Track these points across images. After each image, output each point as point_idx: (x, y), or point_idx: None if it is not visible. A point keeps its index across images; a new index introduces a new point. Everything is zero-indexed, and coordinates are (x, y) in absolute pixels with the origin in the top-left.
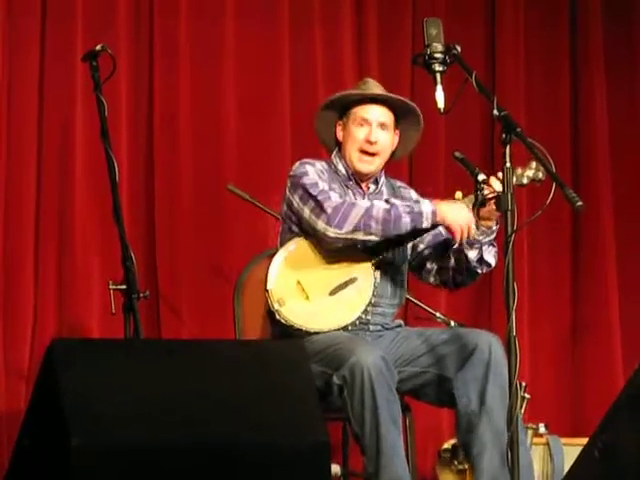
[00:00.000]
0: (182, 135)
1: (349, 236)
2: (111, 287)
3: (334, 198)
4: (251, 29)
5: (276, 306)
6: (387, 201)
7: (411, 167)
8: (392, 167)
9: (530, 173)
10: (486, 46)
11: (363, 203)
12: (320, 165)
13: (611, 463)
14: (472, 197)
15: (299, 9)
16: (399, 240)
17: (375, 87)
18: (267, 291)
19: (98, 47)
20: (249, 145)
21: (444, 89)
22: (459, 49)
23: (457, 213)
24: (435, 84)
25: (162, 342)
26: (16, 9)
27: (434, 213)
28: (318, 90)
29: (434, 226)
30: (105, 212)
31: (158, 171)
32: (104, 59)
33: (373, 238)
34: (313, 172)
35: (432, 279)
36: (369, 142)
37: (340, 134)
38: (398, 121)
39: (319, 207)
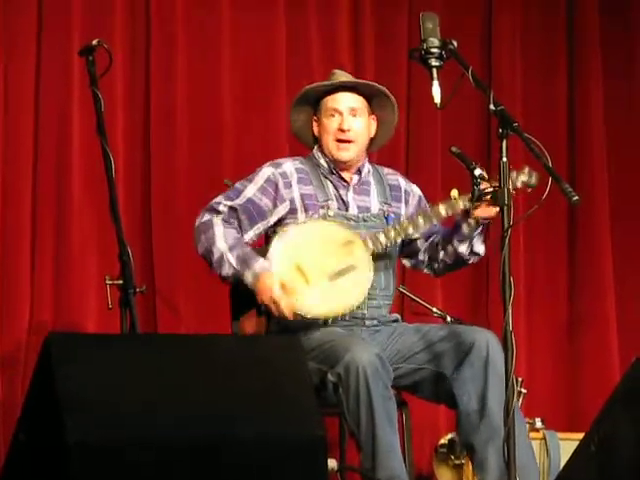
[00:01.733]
0: (179, 130)
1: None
2: (108, 282)
3: (221, 217)
4: (247, 22)
5: None
6: (243, 247)
7: (407, 162)
8: (388, 161)
9: (524, 178)
10: (482, 40)
11: (222, 247)
12: (292, 165)
13: (608, 457)
14: (467, 197)
15: (295, 0)
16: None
17: (342, 76)
18: None
19: (94, 42)
20: (246, 139)
21: (440, 84)
22: (455, 44)
23: (264, 290)
24: (431, 79)
25: (159, 337)
26: (12, 4)
27: (251, 285)
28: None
29: None
30: (102, 207)
31: (155, 166)
32: (100, 54)
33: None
34: (259, 183)
35: (422, 268)
36: (342, 130)
37: (316, 129)
38: (373, 106)
39: (211, 207)
